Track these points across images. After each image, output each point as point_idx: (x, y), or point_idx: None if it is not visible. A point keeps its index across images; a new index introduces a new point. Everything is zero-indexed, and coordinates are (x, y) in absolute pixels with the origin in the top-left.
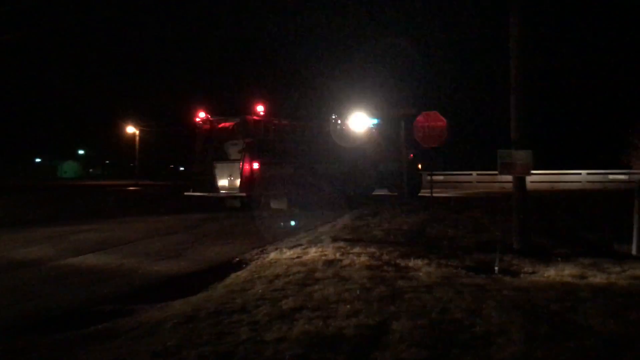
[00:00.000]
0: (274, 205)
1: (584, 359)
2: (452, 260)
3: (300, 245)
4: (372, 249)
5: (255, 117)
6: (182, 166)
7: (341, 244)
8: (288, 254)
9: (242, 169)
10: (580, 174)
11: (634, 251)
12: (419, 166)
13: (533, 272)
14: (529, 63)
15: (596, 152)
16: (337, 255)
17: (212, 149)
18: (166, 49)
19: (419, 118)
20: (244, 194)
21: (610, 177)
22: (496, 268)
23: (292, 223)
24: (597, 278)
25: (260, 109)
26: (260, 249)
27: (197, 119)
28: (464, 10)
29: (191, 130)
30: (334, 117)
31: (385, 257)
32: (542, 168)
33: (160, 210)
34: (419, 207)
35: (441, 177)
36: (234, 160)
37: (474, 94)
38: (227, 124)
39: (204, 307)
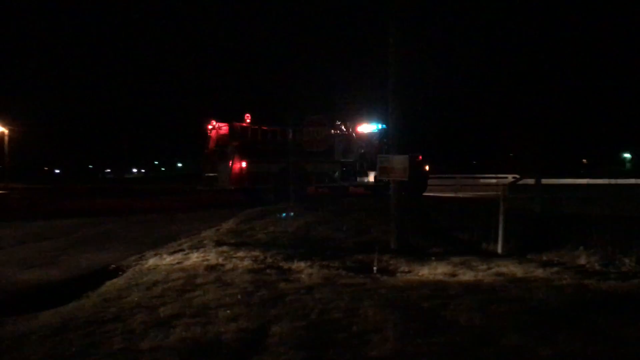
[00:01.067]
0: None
1: (452, 352)
2: (334, 262)
3: (182, 250)
4: (256, 253)
5: (243, 124)
6: (58, 168)
7: (225, 248)
8: (168, 259)
9: (232, 167)
10: (454, 177)
11: (499, 250)
12: (427, 168)
13: (409, 271)
14: (407, 70)
15: (471, 157)
16: (220, 260)
17: (216, 151)
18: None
19: (307, 123)
20: (232, 187)
21: (482, 181)
22: (375, 268)
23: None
24: (467, 276)
25: (247, 116)
26: (139, 255)
27: (210, 126)
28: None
29: (203, 135)
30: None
31: (269, 261)
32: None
33: (33, 214)
34: (310, 208)
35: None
36: (228, 160)
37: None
38: (225, 131)
39: (75, 318)
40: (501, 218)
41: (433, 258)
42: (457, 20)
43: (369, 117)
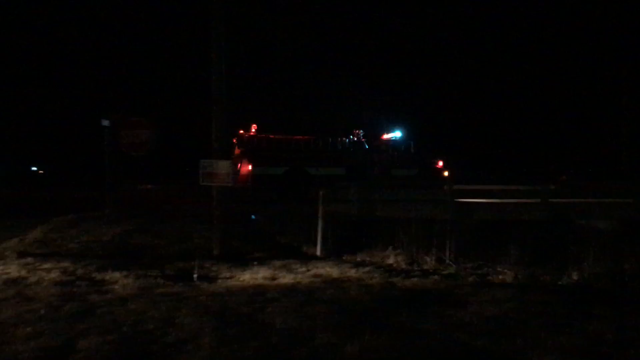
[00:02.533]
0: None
1: (266, 354)
2: (152, 271)
3: None
4: (65, 264)
5: (249, 133)
6: None
7: (29, 259)
8: None
9: (239, 169)
10: None
11: (318, 252)
12: (446, 173)
13: (230, 277)
14: (233, 75)
15: None
16: (23, 272)
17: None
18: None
19: (125, 125)
20: (238, 186)
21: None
22: (195, 275)
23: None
24: (286, 279)
25: (254, 126)
26: None
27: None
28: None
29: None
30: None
31: (80, 272)
32: None
33: None
34: (132, 215)
35: None
36: (236, 164)
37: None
38: (235, 139)
39: None
40: (320, 221)
41: (255, 263)
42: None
43: (381, 126)
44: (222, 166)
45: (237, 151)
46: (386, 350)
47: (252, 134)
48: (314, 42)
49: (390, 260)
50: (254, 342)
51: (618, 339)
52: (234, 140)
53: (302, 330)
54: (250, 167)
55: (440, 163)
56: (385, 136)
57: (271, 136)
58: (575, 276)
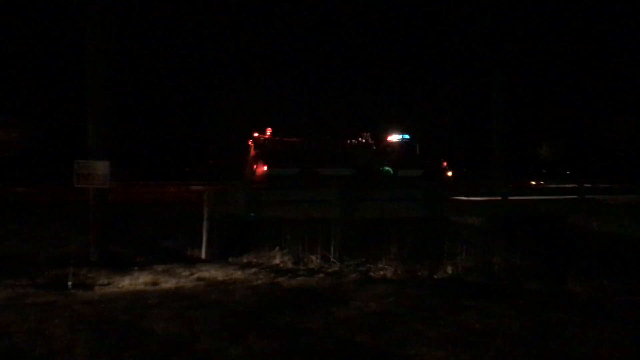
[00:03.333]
0: None
1: None
2: (22, 279)
3: None
4: None
5: (264, 136)
6: None
7: None
8: None
9: (255, 170)
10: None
11: (203, 255)
12: (449, 174)
13: (108, 284)
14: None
15: (181, 164)
16: None
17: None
18: None
19: None
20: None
21: (192, 187)
22: (69, 283)
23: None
24: (168, 283)
25: (268, 129)
26: None
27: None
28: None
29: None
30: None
31: None
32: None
33: None
34: None
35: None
36: (253, 164)
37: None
38: (250, 142)
39: None
40: (205, 223)
41: (135, 268)
42: None
43: (390, 129)
44: (99, 167)
45: (252, 153)
46: (270, 351)
47: (267, 136)
48: (325, 43)
49: (277, 261)
50: (132, 350)
51: (486, 328)
52: (250, 143)
53: (184, 336)
54: (265, 168)
55: (445, 164)
56: (392, 138)
57: (284, 139)
58: (449, 270)
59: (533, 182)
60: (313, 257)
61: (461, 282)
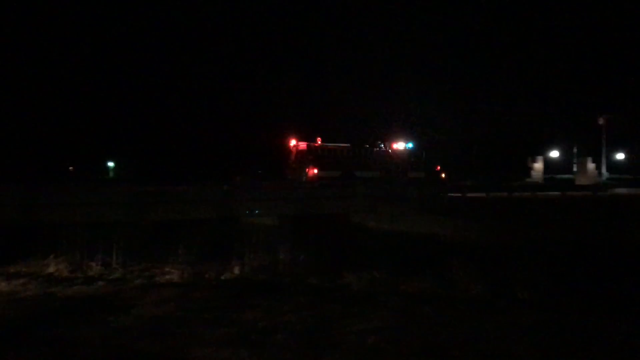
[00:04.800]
0: None
1: None
2: None
3: None
4: None
5: (315, 144)
6: None
7: None
8: None
9: (307, 172)
10: None
11: None
12: (443, 175)
13: None
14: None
15: None
16: None
17: (297, 161)
18: None
19: None
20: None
21: None
22: None
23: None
24: None
25: (318, 139)
26: None
27: (291, 144)
28: None
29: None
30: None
31: None
32: None
33: None
34: None
35: None
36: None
37: None
38: (304, 147)
39: None
40: None
41: None
42: None
43: (400, 138)
44: None
45: (308, 158)
46: None
47: (317, 144)
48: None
49: (51, 269)
50: None
51: (268, 325)
52: (305, 148)
53: None
54: (316, 170)
55: (439, 167)
56: (403, 146)
57: (330, 147)
58: (237, 271)
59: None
60: (93, 264)
61: (248, 282)
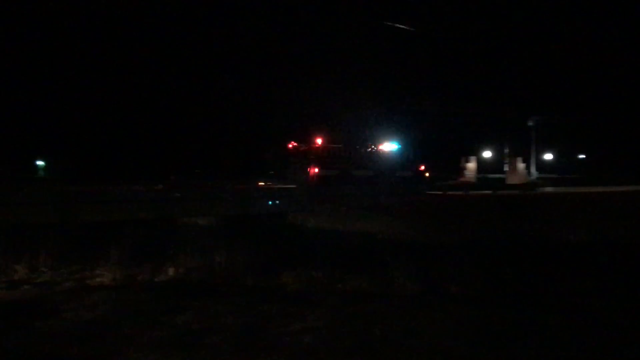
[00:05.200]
0: None
1: None
2: None
3: None
4: None
5: (316, 145)
6: None
7: None
8: None
9: (309, 172)
10: None
11: None
12: (427, 174)
13: None
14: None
15: None
16: None
17: (299, 161)
18: None
19: None
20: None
21: None
22: None
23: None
24: None
25: (319, 140)
26: None
27: (290, 146)
28: None
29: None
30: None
31: None
32: None
33: None
34: None
35: None
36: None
37: None
38: (305, 148)
39: None
40: None
41: None
42: None
43: (389, 139)
44: None
45: (309, 158)
46: None
47: (318, 145)
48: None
49: None
50: None
51: (203, 327)
52: (307, 149)
53: None
54: (317, 169)
55: (422, 167)
56: (387, 147)
57: (329, 148)
58: (171, 272)
59: (261, 183)
60: (18, 267)
61: (182, 284)
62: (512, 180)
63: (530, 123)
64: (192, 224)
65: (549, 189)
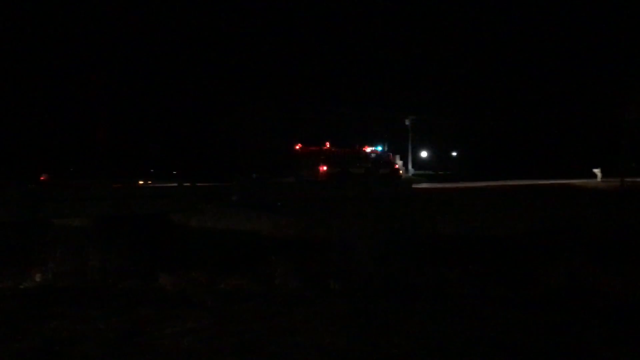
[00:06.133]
0: None
1: None
2: None
3: None
4: None
5: (325, 147)
6: None
7: None
8: None
9: (319, 169)
10: None
11: None
12: (400, 172)
13: None
14: None
15: None
16: None
17: (309, 161)
18: None
19: None
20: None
21: None
22: None
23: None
24: None
25: (327, 143)
26: None
27: (297, 147)
28: None
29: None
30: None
31: None
32: None
33: None
34: None
35: None
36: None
37: None
38: (314, 149)
39: None
40: None
41: None
42: None
43: (372, 143)
44: None
45: (320, 158)
46: None
47: (326, 147)
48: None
49: None
50: None
51: (74, 334)
52: (317, 150)
53: None
54: (325, 168)
55: (397, 165)
56: (375, 148)
57: (333, 149)
58: (38, 278)
59: (141, 182)
60: None
61: (52, 290)
62: None
63: (407, 122)
64: (64, 226)
65: (424, 185)
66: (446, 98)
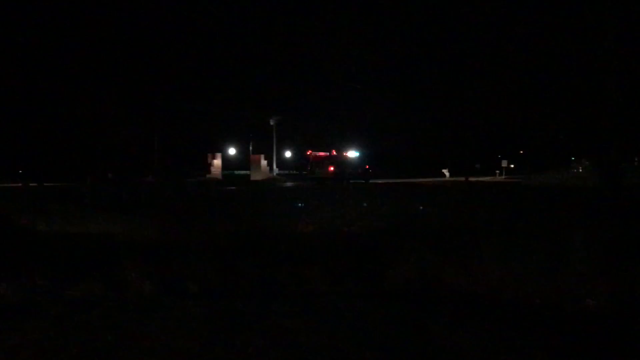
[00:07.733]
0: None
1: None
2: None
3: None
4: None
5: (333, 152)
6: None
7: None
8: None
9: (328, 169)
10: None
11: None
12: (370, 171)
13: None
14: None
15: None
16: None
17: (318, 163)
18: None
19: None
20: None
21: None
22: None
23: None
24: None
25: (333, 150)
26: None
27: (308, 153)
28: None
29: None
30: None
31: None
32: None
33: None
34: None
35: None
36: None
37: None
38: (324, 154)
39: None
40: None
41: None
42: None
43: (352, 147)
44: None
45: (329, 160)
46: None
47: (333, 153)
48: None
49: None
50: None
51: None
52: (325, 155)
53: None
54: (332, 168)
55: (367, 166)
56: (351, 153)
57: (334, 153)
58: None
59: None
60: None
61: None
62: (256, 176)
63: (271, 122)
64: None
65: (288, 184)
66: (304, 100)
